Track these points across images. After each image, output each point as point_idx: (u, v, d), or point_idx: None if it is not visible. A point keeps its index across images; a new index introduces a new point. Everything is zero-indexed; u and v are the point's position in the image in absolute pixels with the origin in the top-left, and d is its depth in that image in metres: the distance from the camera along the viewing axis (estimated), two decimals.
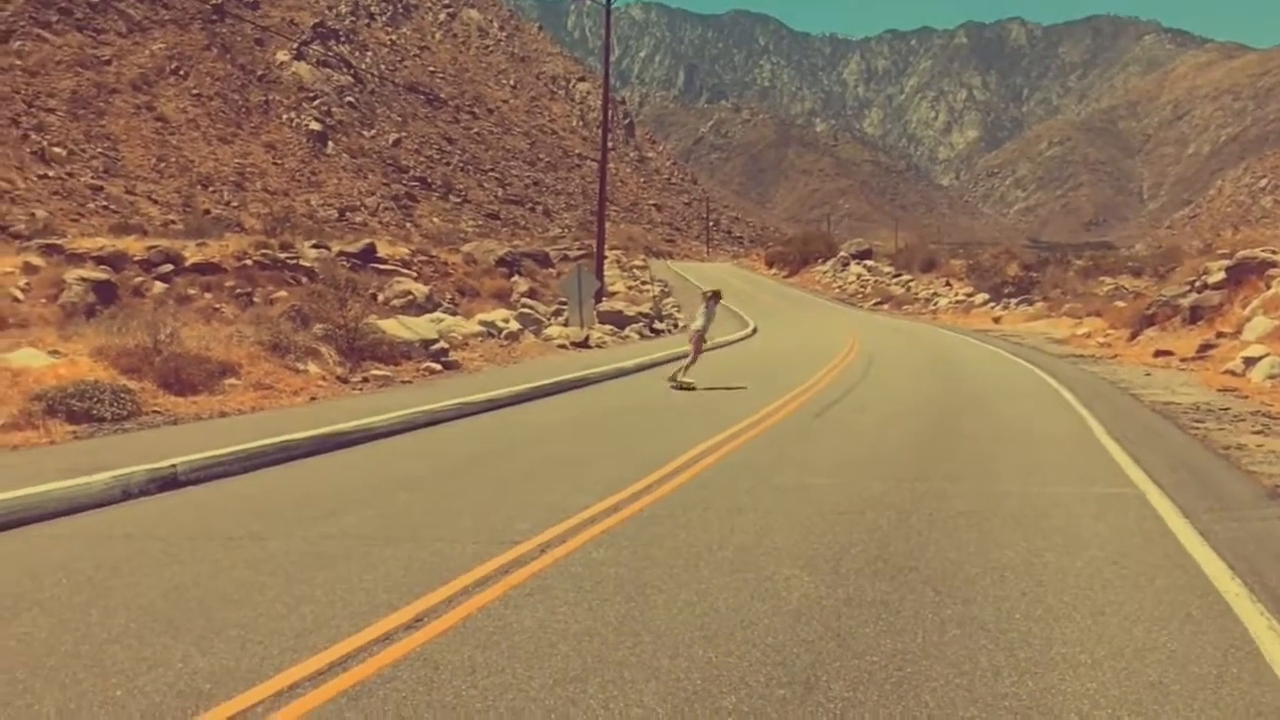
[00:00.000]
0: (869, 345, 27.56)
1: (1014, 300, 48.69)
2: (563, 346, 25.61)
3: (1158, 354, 22.37)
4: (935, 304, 54.53)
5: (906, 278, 65.45)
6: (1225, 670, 4.25)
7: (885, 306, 56.63)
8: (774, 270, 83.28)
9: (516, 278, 43.25)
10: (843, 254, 76.40)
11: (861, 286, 65.60)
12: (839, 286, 68.13)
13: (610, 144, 60.17)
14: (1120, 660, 4.36)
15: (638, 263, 68.93)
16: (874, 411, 13.51)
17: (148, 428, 11.85)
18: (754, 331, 35.08)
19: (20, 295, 30.39)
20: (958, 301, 53.58)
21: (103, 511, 7.59)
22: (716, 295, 17.53)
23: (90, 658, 4.48)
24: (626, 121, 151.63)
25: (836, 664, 4.32)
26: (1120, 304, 35.87)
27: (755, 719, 3.77)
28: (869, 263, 72.75)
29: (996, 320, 43.31)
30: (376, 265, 39.62)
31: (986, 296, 51.89)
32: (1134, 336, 26.91)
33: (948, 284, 60.08)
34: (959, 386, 17.56)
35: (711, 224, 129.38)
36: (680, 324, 39.21)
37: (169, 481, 8.43)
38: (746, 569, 5.82)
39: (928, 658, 4.40)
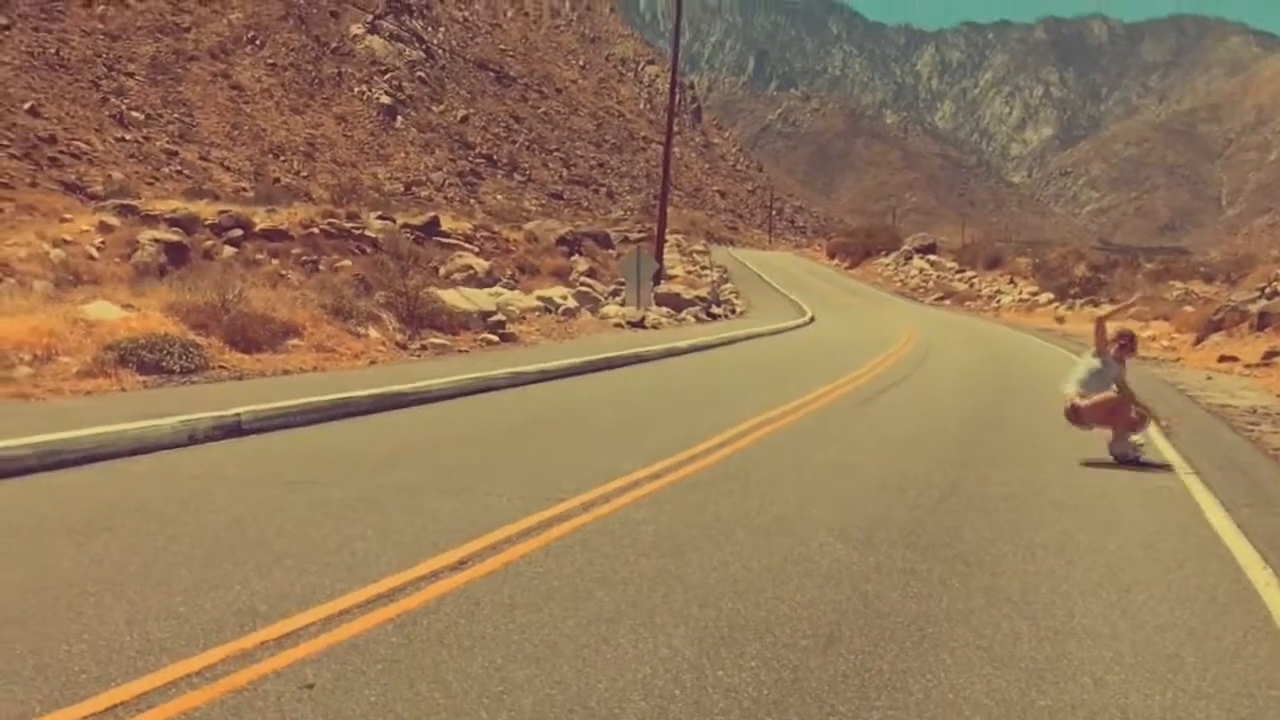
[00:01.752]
0: (926, 337, 27.39)
1: (1079, 301, 47.91)
2: (619, 326, 25.84)
3: (1222, 359, 21.98)
4: (998, 301, 53.84)
5: (970, 274, 64.66)
6: (1243, 647, 4.32)
7: (947, 302, 56.04)
8: (836, 261, 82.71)
9: (576, 257, 43.53)
10: (906, 248, 75.63)
11: (924, 281, 64.94)
12: (900, 280, 67.51)
13: (676, 128, 60.25)
14: (1140, 634, 4.46)
15: (698, 248, 68.91)
16: (924, 399, 13.54)
17: (214, 381, 12.30)
18: (811, 320, 35.02)
19: (95, 253, 31.39)
20: (1021, 300, 52.86)
21: (171, 453, 7.97)
22: (1126, 344, 9.21)
23: (157, 578, 4.79)
24: (694, 106, 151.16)
25: (860, 622, 4.47)
26: (1189, 309, 35.18)
27: (777, 665, 3.94)
28: (932, 257, 71.94)
29: (1060, 320, 42.68)
30: (440, 239, 40.20)
31: (1051, 296, 51.11)
32: (1199, 341, 26.42)
33: (1012, 282, 59.24)
34: (1012, 380, 17.46)
35: (775, 212, 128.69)
36: (737, 310, 39.23)
37: (233, 429, 8.80)
38: (782, 535, 5.98)
39: (950, 621, 4.53)
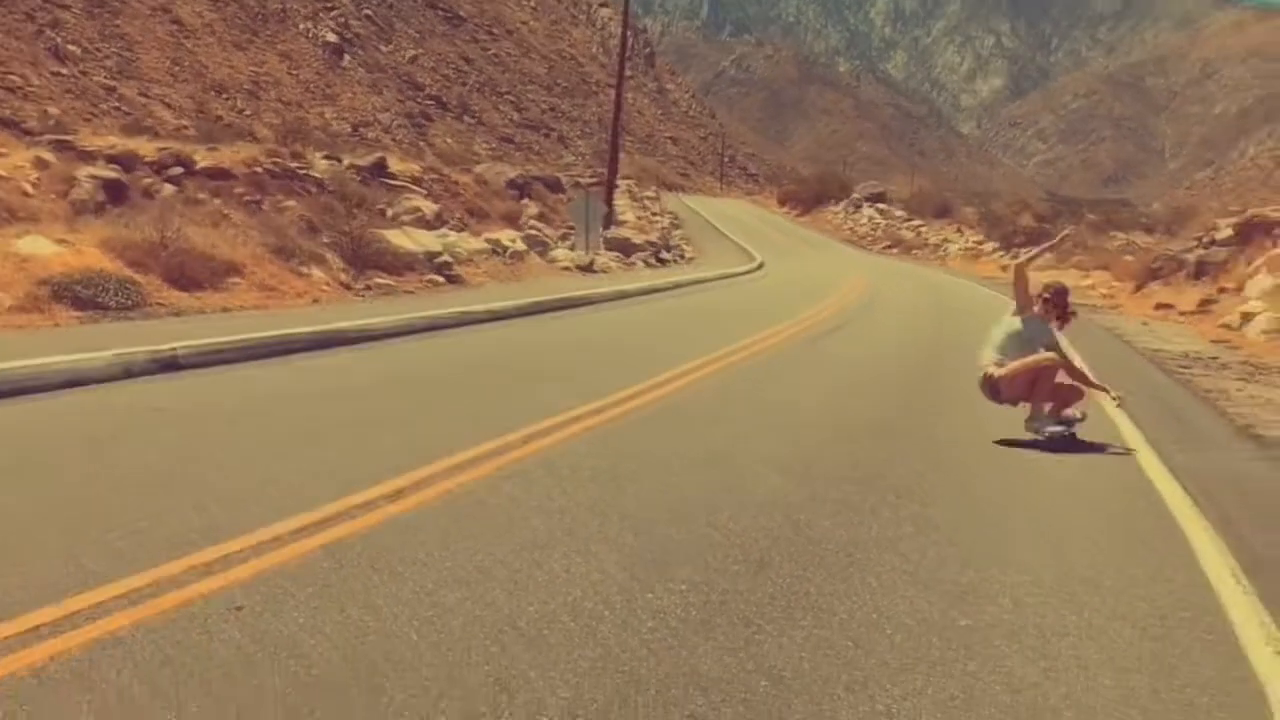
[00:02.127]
0: (873, 284, 27.63)
1: (1023, 250, 48.55)
2: (567, 269, 25.73)
3: (1158, 307, 22.44)
4: (945, 250, 54.34)
5: (918, 223, 65.08)
6: (1160, 571, 4.47)
7: (894, 250, 56.46)
8: (786, 209, 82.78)
9: (527, 201, 43.08)
10: (856, 196, 75.87)
11: (873, 229, 65.29)
12: (850, 228, 67.81)
13: (629, 74, 59.56)
14: (1061, 560, 4.59)
15: (649, 194, 68.53)
16: (867, 343, 13.68)
17: (152, 318, 12.07)
18: (760, 266, 35.11)
19: (30, 190, 30.37)
20: (967, 249, 53.38)
21: (105, 387, 7.82)
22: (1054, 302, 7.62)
23: (88, 507, 4.72)
24: (647, 51, 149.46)
25: (791, 548, 4.55)
26: (1129, 258, 35.78)
27: (706, 588, 4.00)
28: (882, 206, 72.27)
29: (1004, 269, 43.21)
30: (387, 181, 39.51)
31: (996, 245, 51.68)
32: (1138, 290, 26.94)
33: (959, 231, 59.77)
34: (953, 326, 17.70)
35: (727, 160, 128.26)
36: (687, 256, 39.19)
37: (170, 364, 8.65)
38: (719, 467, 6.04)
39: (878, 548, 4.63)
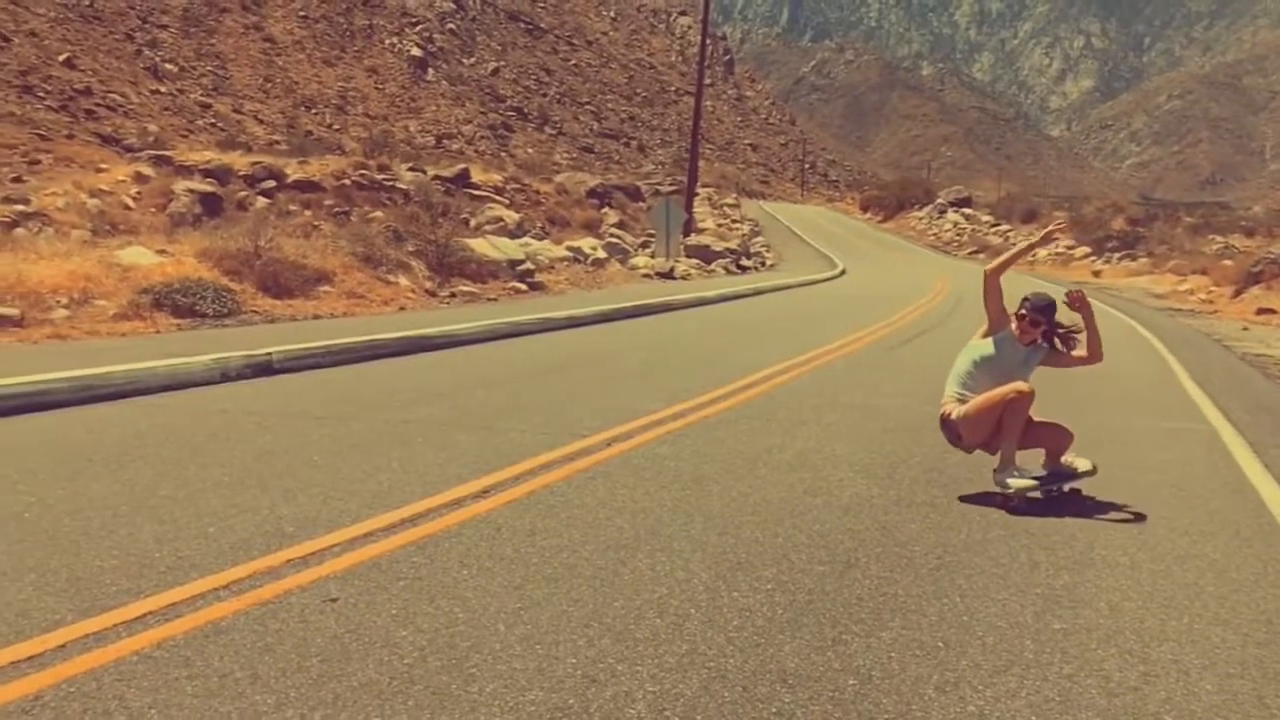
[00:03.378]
0: (957, 290, 27.14)
1: (1116, 255, 47.22)
2: (647, 276, 25.81)
3: (1259, 311, 21.66)
4: (1033, 255, 53.15)
5: (1005, 228, 63.83)
6: (1263, 577, 4.31)
7: (981, 255, 55.41)
8: (868, 215, 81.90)
9: (606, 209, 43.38)
10: (940, 201, 74.73)
11: (958, 234, 64.21)
12: (934, 234, 66.79)
13: (708, 81, 59.48)
14: (1159, 565, 4.45)
15: (729, 201, 68.43)
16: (952, 346, 13.45)
17: (246, 324, 12.46)
18: (841, 273, 34.79)
19: (132, 203, 31.67)
20: (1057, 254, 52.14)
21: (203, 390, 8.10)
22: (1035, 321, 5.71)
23: (187, 502, 4.89)
24: (726, 58, 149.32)
25: (877, 550, 4.50)
26: (1227, 263, 34.59)
27: (793, 588, 3.97)
28: (967, 211, 71.08)
29: (1096, 274, 42.17)
30: (470, 191, 40.18)
31: (1088, 250, 50.41)
32: (1237, 294, 26.02)
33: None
34: None
35: (807, 166, 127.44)
36: (767, 262, 38.99)
37: (264, 368, 8.92)
38: (803, 469, 6.00)
39: (968, 551, 4.54)
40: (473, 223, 33.07)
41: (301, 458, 5.88)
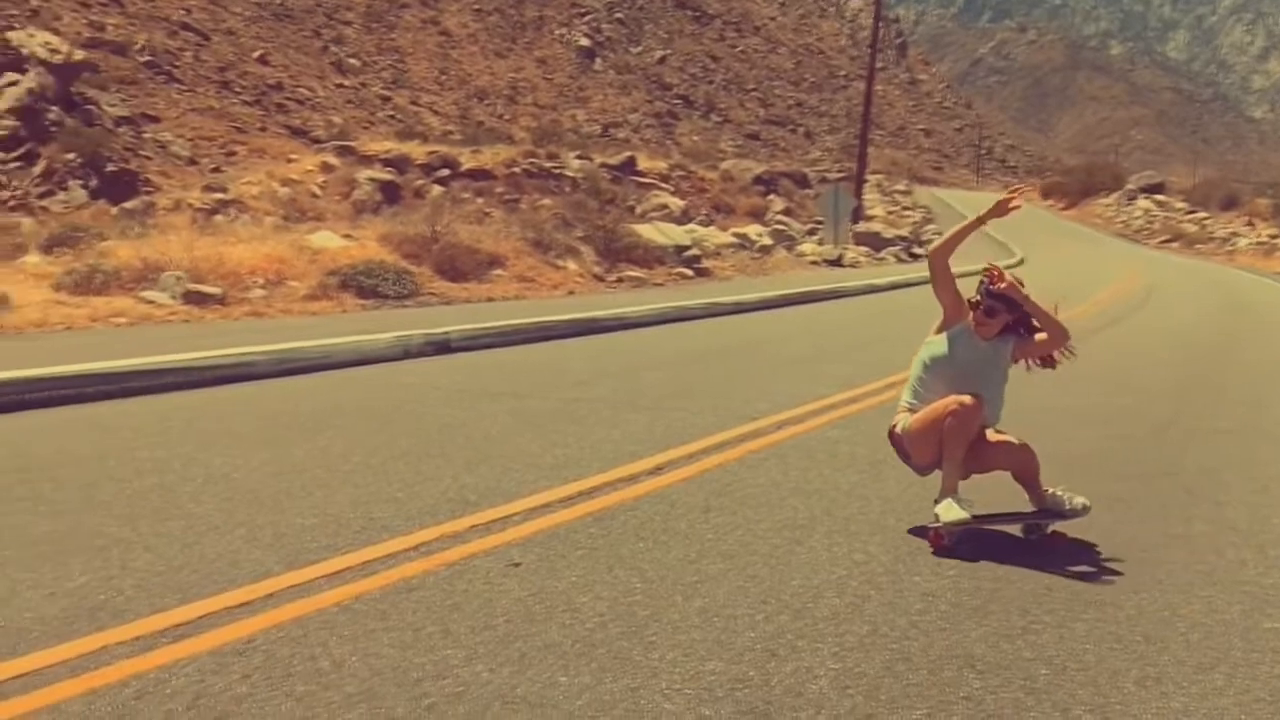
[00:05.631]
0: (1147, 281, 25.68)
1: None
2: (814, 263, 25.47)
3: None
4: (1233, 244, 49.76)
5: (1202, 215, 59.97)
6: None
7: (1174, 245, 52.27)
8: (1049, 202, 78.38)
9: (772, 196, 43.03)
10: (1129, 187, 70.86)
11: (1149, 222, 60.72)
12: (1122, 221, 63.38)
13: (880, 64, 58.16)
14: None
15: (900, 188, 66.83)
16: (1140, 343, 12.74)
17: (424, 305, 12.96)
18: (1020, 262, 33.41)
19: (318, 192, 33.47)
20: (1259, 243, 48.66)
21: (387, 365, 8.48)
22: (995, 307, 4.45)
23: (377, 468, 5.12)
24: (899, 41, 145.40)
25: (1069, 541, 4.29)
26: None
27: (978, 574, 3.84)
28: (1159, 198, 67.12)
29: None
30: (636, 178, 40.60)
31: None
32: None
33: (1250, 224, 54.59)
34: (1242, 320, 16.20)
35: (983, 152, 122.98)
36: None
37: (442, 346, 9.26)
38: None
39: (1168, 547, 4.29)
40: (638, 209, 33.41)
41: (481, 431, 6.07)
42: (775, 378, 8.57)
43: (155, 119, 36.05)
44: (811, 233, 31.12)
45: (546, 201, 33.92)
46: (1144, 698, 2.85)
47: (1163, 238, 54.79)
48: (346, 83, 66.03)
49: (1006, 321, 4.44)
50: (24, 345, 8.41)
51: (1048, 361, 4.69)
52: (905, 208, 53.35)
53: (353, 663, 2.87)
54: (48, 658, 2.82)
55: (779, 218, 35.14)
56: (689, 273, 19.94)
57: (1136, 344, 12.20)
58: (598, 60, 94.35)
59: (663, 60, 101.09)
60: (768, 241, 26.32)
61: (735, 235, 26.11)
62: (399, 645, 2.99)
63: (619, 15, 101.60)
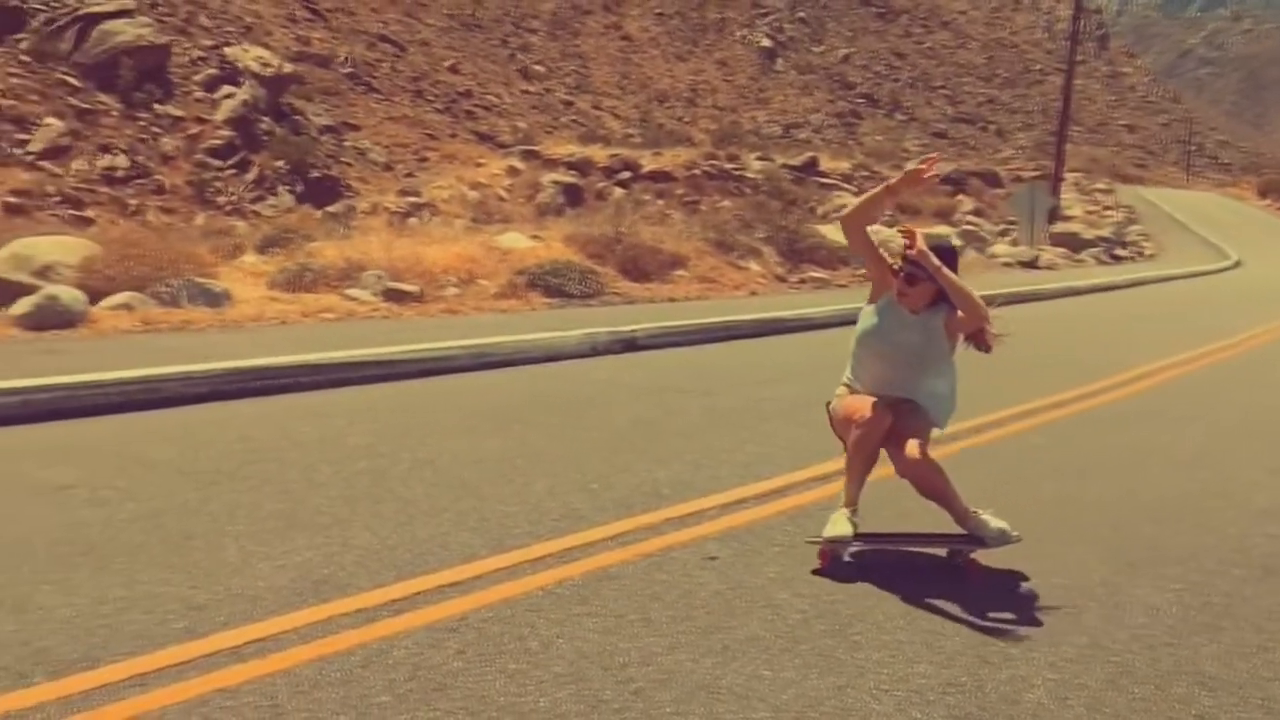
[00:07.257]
0: None
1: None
2: (1008, 265, 24.52)
3: None
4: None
5: None
6: None
7: None
8: (1268, 201, 72.71)
9: (961, 196, 41.68)
10: None
11: None
12: None
13: (1079, 58, 55.46)
14: None
15: (1100, 186, 63.38)
16: None
17: (608, 304, 13.17)
18: (1235, 264, 31.20)
19: (505, 195, 34.63)
20: None
21: (575, 361, 8.67)
22: (915, 275, 3.88)
23: (571, 460, 5.23)
24: (1100, 33, 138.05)
25: None
26: None
27: (1205, 590, 3.59)
28: None
29: None
30: (818, 179, 40.15)
31: None
32: None
33: None
34: None
35: (1193, 148, 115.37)
36: (1146, 252, 35.70)
37: (629, 344, 9.39)
38: (1204, 468, 5.42)
39: None
40: (820, 210, 33.03)
41: (671, 427, 6.12)
42: (966, 380, 8.26)
43: (355, 127, 38.08)
44: (1004, 234, 29.98)
45: (726, 203, 33.98)
46: None
47: None
48: (531, 89, 68.00)
49: (935, 290, 3.86)
50: (244, 338, 9.03)
51: (980, 341, 4.08)
52: (1106, 207, 50.55)
53: (560, 644, 2.93)
54: (281, 624, 3.01)
55: (969, 218, 34.02)
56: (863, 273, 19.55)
57: None
58: (779, 60, 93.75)
59: (846, 59, 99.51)
60: (957, 243, 25.47)
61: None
62: (602, 630, 3.04)
63: (801, 14, 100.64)
